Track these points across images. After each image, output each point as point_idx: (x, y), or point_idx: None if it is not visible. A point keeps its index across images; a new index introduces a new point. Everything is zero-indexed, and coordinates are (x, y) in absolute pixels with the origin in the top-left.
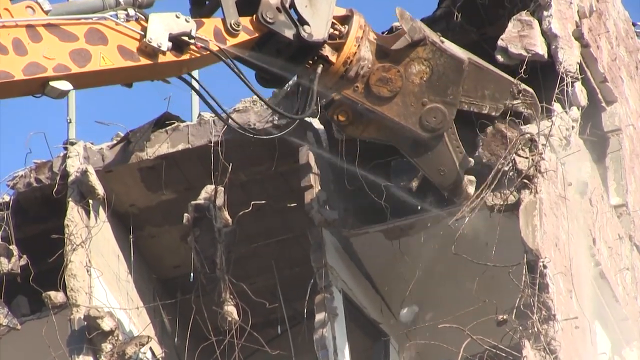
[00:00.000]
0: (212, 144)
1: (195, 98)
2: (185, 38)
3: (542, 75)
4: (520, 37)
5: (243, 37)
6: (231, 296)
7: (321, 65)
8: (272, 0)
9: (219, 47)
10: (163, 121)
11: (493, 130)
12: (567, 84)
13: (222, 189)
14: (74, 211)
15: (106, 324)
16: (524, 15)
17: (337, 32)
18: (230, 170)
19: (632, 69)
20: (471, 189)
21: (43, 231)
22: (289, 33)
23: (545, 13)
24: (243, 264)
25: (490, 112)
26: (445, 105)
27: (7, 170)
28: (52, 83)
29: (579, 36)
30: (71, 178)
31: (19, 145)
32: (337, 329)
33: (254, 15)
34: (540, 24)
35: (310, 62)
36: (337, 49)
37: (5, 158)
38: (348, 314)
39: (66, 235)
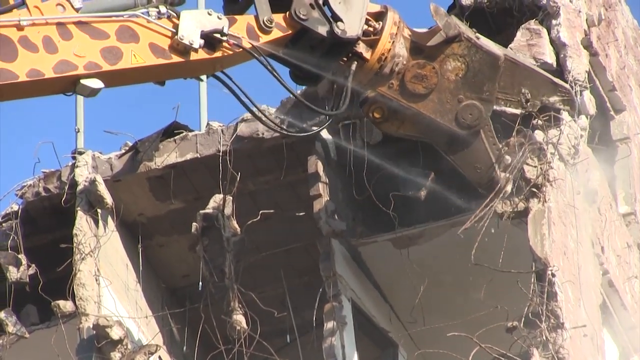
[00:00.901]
0: (221, 154)
1: (204, 107)
2: (218, 35)
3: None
4: (529, 45)
5: (276, 34)
6: (240, 305)
7: (355, 62)
8: None
9: (251, 44)
10: (171, 130)
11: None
12: (575, 92)
13: (231, 198)
14: (82, 220)
15: (115, 333)
16: (533, 24)
17: (371, 29)
18: (238, 179)
19: None
20: (508, 187)
21: (52, 240)
22: (323, 30)
23: (553, 22)
24: (252, 273)
25: (527, 109)
26: (482, 101)
27: (15, 179)
28: (83, 81)
29: (587, 45)
30: (80, 187)
31: (28, 154)
32: (346, 338)
33: (287, 12)
34: (549, 33)
35: (345, 59)
36: (372, 45)
37: (13, 167)
38: (357, 323)
39: (75, 245)
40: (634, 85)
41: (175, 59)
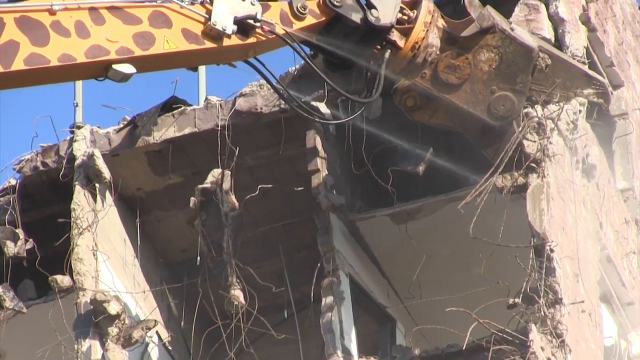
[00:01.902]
0: (219, 128)
1: (202, 82)
2: (251, 21)
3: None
4: (527, 21)
5: (310, 20)
6: (238, 280)
7: (389, 50)
8: None
9: (285, 30)
10: (170, 105)
11: None
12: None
13: (229, 172)
14: (80, 195)
15: (112, 308)
16: None
17: (405, 17)
18: (237, 154)
19: (639, 53)
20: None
21: (49, 215)
22: (356, 17)
23: None
24: (250, 247)
25: (560, 101)
26: (515, 93)
27: (13, 154)
28: (115, 66)
29: (585, 20)
30: (78, 162)
31: (26, 129)
32: (343, 313)
33: None
34: (547, 8)
35: (378, 46)
36: (406, 34)
37: (11, 142)
38: (355, 298)
39: (72, 219)
40: (632, 61)
41: (208, 44)
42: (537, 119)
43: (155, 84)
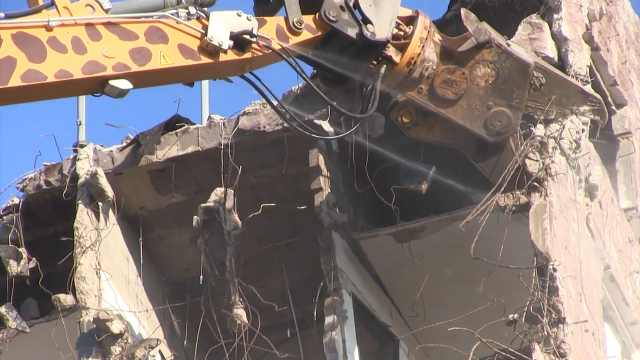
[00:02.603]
0: (222, 147)
1: (205, 100)
2: (247, 36)
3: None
4: (530, 40)
5: (306, 35)
6: (240, 299)
7: (385, 66)
8: None
9: (281, 45)
10: (173, 124)
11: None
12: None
13: (232, 191)
14: (83, 214)
15: (115, 327)
16: (534, 18)
17: (401, 33)
18: (240, 172)
19: None
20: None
21: (52, 234)
22: (352, 32)
23: (555, 16)
24: (252, 266)
25: (556, 117)
26: (511, 109)
27: (16, 172)
28: (111, 82)
29: (589, 39)
30: (81, 180)
31: (29, 147)
32: (346, 332)
33: (317, 14)
34: (551, 27)
35: (374, 62)
36: (401, 49)
37: (15, 160)
38: (358, 317)
39: (76, 238)
40: (635, 80)
41: (205, 60)
42: (539, 138)
43: (158, 102)
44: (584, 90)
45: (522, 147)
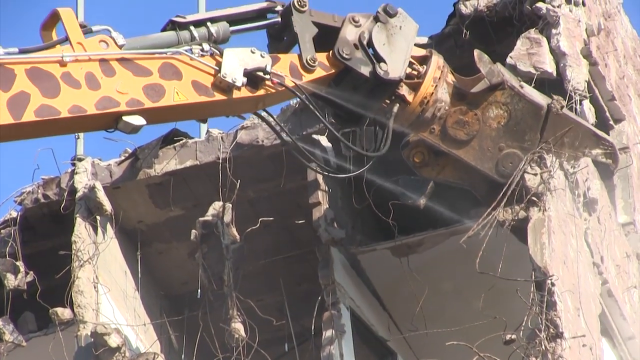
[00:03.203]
0: (220, 161)
1: None
2: (261, 74)
3: (550, 93)
4: (529, 54)
5: (319, 73)
6: (238, 313)
7: (398, 105)
8: (349, 37)
9: (294, 83)
10: (171, 137)
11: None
12: (575, 102)
13: (230, 205)
14: (81, 227)
15: (113, 341)
16: (533, 33)
17: (415, 72)
18: (238, 186)
19: None
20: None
21: (50, 247)
22: (365, 70)
23: (553, 31)
24: (250, 280)
25: (569, 160)
26: (523, 151)
27: (14, 186)
28: (125, 118)
29: (587, 54)
30: (79, 194)
31: (27, 161)
32: (344, 347)
33: (330, 51)
34: (549, 42)
35: (387, 101)
36: (414, 88)
37: (13, 174)
38: (355, 332)
39: (73, 252)
40: (633, 95)
41: (218, 96)
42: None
43: None
44: (596, 133)
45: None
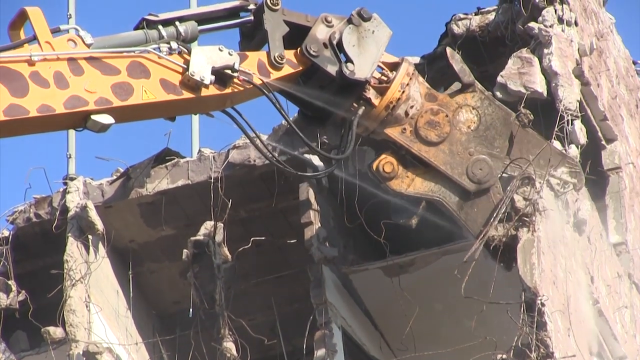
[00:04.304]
0: (212, 180)
1: (196, 134)
2: (229, 71)
3: (542, 112)
4: (519, 74)
5: (287, 70)
6: (230, 332)
7: (363, 108)
8: (319, 35)
9: (262, 80)
10: (163, 157)
11: None
12: (567, 121)
13: (222, 225)
14: (73, 246)
15: None
16: (524, 52)
17: (384, 78)
18: (229, 206)
19: (632, 107)
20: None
21: (42, 266)
22: (332, 69)
23: (545, 50)
24: (242, 300)
25: (535, 178)
26: (492, 158)
27: (6, 205)
28: (93, 117)
29: (579, 74)
30: (71, 213)
31: (19, 180)
32: None
33: (299, 48)
34: (541, 62)
35: (355, 104)
36: (382, 92)
37: (5, 193)
38: (347, 351)
39: (65, 271)
40: (626, 115)
41: (186, 94)
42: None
43: (148, 135)
44: (562, 153)
45: (511, 184)
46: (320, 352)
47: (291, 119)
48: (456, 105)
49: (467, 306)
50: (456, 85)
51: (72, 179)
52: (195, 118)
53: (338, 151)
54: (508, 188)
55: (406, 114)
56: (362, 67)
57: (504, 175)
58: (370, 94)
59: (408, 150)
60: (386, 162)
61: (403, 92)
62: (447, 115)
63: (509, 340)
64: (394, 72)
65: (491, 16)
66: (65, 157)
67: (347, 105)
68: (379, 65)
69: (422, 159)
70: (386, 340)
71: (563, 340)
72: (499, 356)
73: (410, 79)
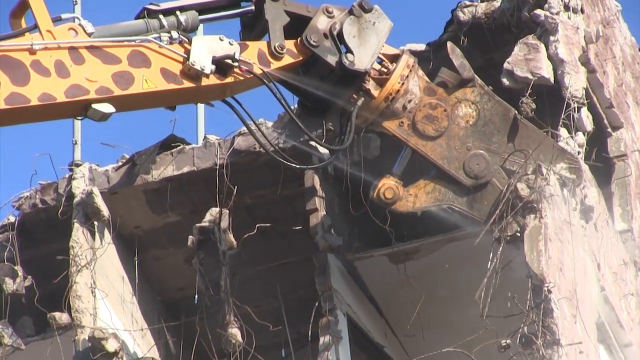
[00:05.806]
0: (218, 167)
1: (201, 120)
2: (229, 61)
3: (548, 100)
4: (526, 60)
5: (287, 60)
6: (235, 319)
7: (362, 99)
8: (320, 26)
9: (262, 70)
10: (168, 143)
11: None
12: (573, 109)
13: (227, 211)
14: (79, 233)
15: (110, 346)
16: (530, 38)
17: (384, 69)
18: (235, 193)
19: (638, 94)
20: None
21: (48, 252)
22: (332, 59)
23: (551, 38)
24: (247, 286)
25: (533, 173)
26: (490, 153)
27: (12, 191)
28: (94, 105)
29: (585, 61)
30: (76, 199)
31: (25, 166)
32: (341, 353)
33: (299, 38)
34: (547, 49)
35: (355, 96)
36: (381, 84)
37: (10, 179)
38: (352, 338)
39: (71, 257)
40: (632, 103)
41: (187, 84)
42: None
43: (154, 122)
44: (561, 147)
45: (517, 171)
46: (325, 339)
47: (292, 108)
48: (455, 100)
49: (473, 293)
50: (456, 79)
51: (77, 165)
52: (201, 105)
53: (338, 140)
54: (513, 175)
55: (404, 107)
56: (362, 58)
57: (505, 169)
58: (370, 85)
59: (406, 142)
60: (386, 189)
61: (403, 84)
62: (445, 110)
63: (515, 327)
64: (394, 64)
65: (497, 3)
66: (71, 144)
67: (346, 96)
68: (379, 57)
69: (419, 152)
70: (391, 327)
71: (570, 327)
72: (503, 342)
73: (410, 71)
